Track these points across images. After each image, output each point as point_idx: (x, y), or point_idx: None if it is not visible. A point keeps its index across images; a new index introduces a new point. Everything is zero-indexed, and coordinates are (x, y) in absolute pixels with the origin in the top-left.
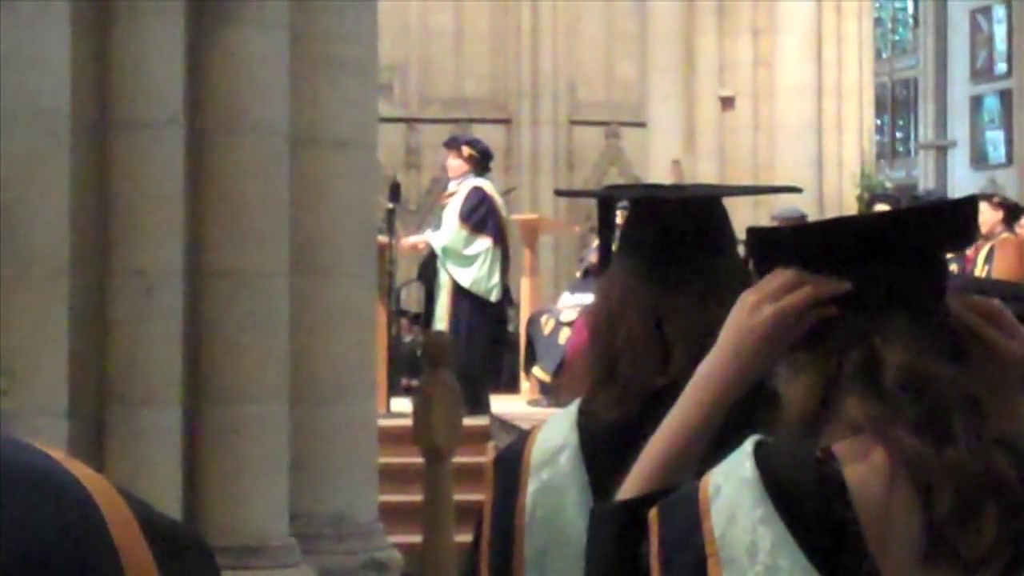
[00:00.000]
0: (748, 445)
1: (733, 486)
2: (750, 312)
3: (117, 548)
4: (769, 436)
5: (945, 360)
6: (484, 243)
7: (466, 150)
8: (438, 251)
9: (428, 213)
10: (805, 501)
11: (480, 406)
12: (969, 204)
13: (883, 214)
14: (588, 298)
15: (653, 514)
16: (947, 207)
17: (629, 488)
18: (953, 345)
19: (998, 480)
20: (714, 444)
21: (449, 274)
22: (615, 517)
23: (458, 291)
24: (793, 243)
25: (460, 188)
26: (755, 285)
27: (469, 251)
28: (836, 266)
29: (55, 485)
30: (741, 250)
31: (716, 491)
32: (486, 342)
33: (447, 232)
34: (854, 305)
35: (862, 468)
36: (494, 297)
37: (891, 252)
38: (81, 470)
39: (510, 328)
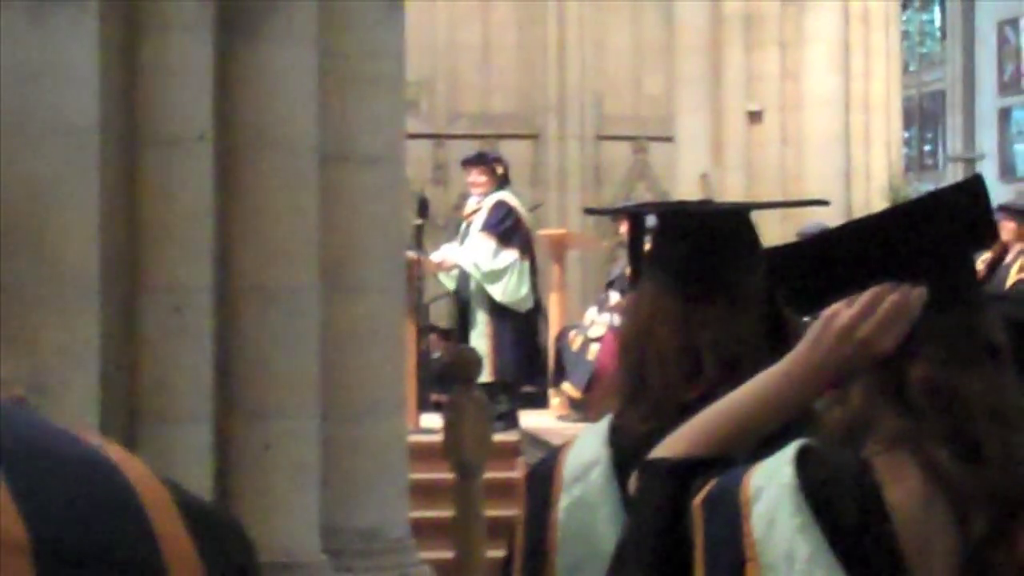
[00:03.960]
0: (791, 450)
1: (774, 491)
2: (842, 334)
3: (155, 532)
4: (810, 440)
5: (970, 369)
6: (511, 255)
7: (499, 167)
8: (470, 268)
9: (456, 228)
10: (844, 512)
11: (513, 420)
12: (975, 185)
13: (889, 210)
14: (608, 317)
15: (697, 507)
16: (951, 192)
17: (679, 443)
18: (980, 348)
19: None
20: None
21: (484, 290)
22: (667, 477)
23: (493, 306)
24: (809, 259)
25: (484, 203)
26: (846, 305)
27: (497, 264)
28: (855, 275)
29: (92, 468)
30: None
31: (757, 494)
32: (524, 352)
33: (476, 248)
34: None
35: (901, 483)
36: (525, 308)
37: (905, 254)
38: (118, 454)
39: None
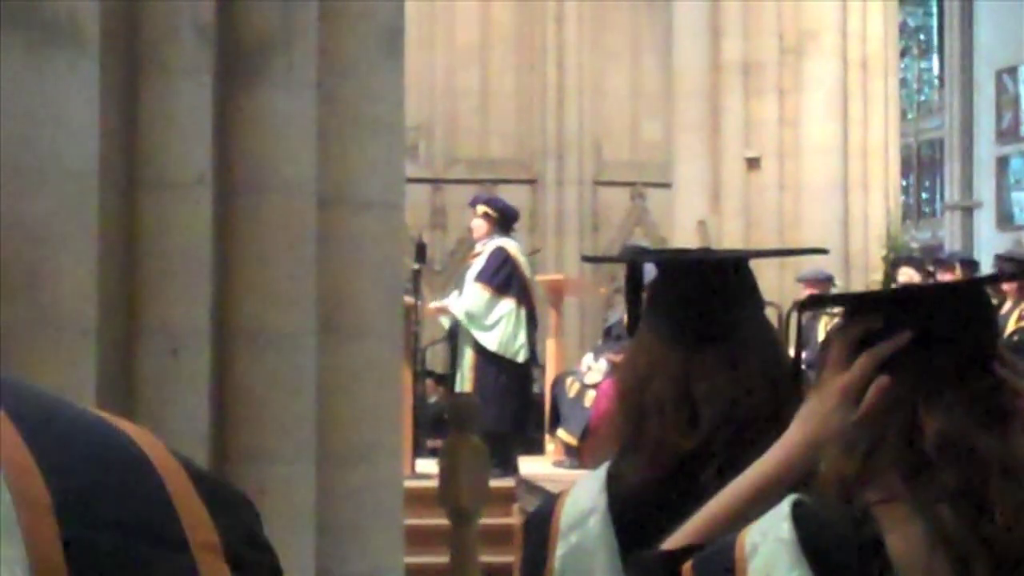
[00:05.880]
0: (786, 505)
1: (770, 546)
2: (820, 390)
3: (171, 496)
4: (806, 496)
5: (987, 427)
6: (507, 304)
7: (480, 209)
8: (461, 317)
9: (454, 273)
10: (844, 565)
11: (509, 467)
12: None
13: (935, 286)
14: (604, 365)
15: (687, 568)
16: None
17: (678, 539)
18: (997, 408)
19: None
20: None
21: (473, 336)
22: (658, 566)
23: (482, 353)
24: (848, 309)
25: (484, 248)
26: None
27: (492, 314)
28: (882, 332)
29: (107, 434)
30: (770, 311)
31: (753, 550)
32: (513, 403)
33: (470, 296)
34: (899, 369)
35: (901, 534)
36: (521, 358)
37: (938, 317)
38: (128, 426)
39: (535, 389)
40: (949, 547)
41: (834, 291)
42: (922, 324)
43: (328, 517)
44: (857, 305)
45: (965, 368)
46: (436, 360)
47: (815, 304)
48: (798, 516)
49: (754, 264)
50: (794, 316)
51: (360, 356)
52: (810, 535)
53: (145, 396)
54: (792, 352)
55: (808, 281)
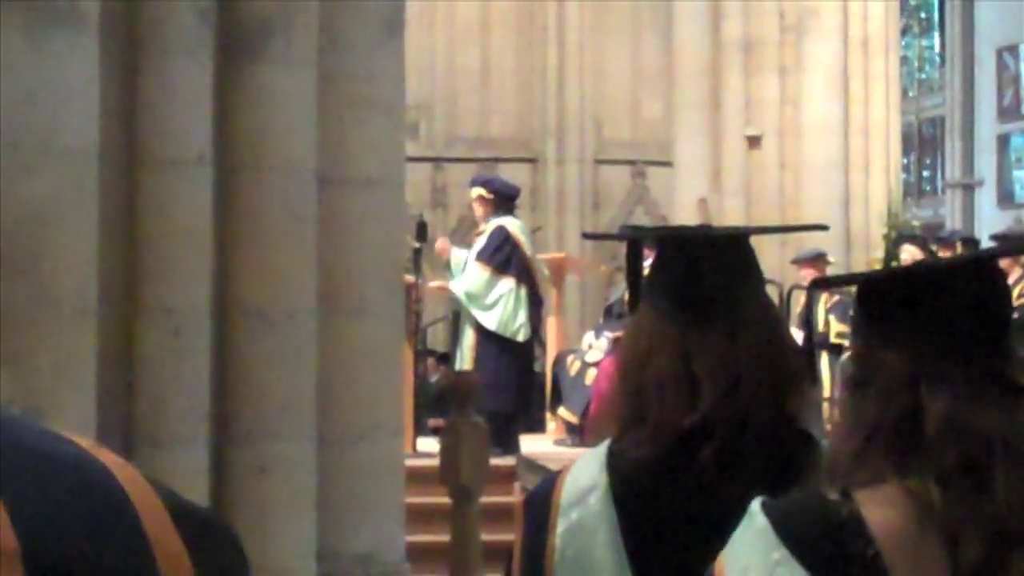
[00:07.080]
0: (755, 504)
1: (746, 541)
2: None
3: (149, 539)
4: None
5: (993, 407)
6: (507, 284)
7: (476, 192)
8: (461, 297)
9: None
10: (821, 543)
11: (510, 447)
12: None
13: (941, 263)
14: (606, 343)
15: None
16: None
17: None
18: (1006, 385)
19: None
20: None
21: (473, 316)
22: None
23: (483, 332)
24: (857, 289)
25: (487, 228)
26: None
27: (492, 293)
28: (892, 311)
29: (85, 473)
30: (770, 289)
31: (730, 555)
32: (515, 382)
33: (469, 276)
34: (906, 349)
35: (885, 512)
36: (521, 337)
37: (947, 297)
38: (109, 458)
39: (536, 368)
40: (940, 525)
41: (829, 269)
42: (930, 301)
43: (329, 495)
44: (866, 284)
45: (972, 346)
46: (437, 339)
47: (823, 285)
48: (768, 508)
49: (755, 242)
50: (795, 295)
51: (361, 335)
52: (783, 519)
53: (146, 375)
54: (803, 332)
55: (803, 261)
